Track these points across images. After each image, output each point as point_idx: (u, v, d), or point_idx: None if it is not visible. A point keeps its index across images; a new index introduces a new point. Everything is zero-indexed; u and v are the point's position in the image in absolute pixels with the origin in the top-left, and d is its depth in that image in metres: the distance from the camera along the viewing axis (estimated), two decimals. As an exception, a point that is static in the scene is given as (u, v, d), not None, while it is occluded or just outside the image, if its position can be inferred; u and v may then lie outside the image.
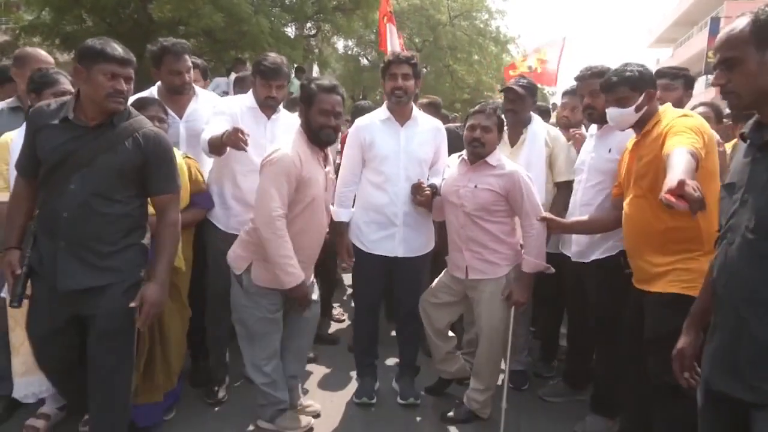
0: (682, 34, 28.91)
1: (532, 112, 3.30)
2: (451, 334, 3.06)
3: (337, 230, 3.03)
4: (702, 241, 2.09)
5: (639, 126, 2.36)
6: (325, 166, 2.68)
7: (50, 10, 11.26)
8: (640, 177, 2.29)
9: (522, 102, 3.18)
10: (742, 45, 1.41)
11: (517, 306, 2.78)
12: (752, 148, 1.47)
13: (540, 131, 3.22)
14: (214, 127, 2.78)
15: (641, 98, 2.32)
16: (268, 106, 2.96)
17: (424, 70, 22.49)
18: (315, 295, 2.83)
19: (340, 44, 20.26)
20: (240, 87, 4.43)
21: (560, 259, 2.94)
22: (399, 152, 2.94)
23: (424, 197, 2.86)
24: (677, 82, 2.96)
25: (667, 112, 2.33)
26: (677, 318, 1.93)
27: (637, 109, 2.34)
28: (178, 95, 3.03)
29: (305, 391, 3.13)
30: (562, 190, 3.17)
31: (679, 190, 1.35)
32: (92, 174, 2.05)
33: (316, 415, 2.92)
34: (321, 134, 2.56)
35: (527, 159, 3.12)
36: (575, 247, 2.85)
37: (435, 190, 2.93)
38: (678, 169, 1.81)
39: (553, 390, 3.20)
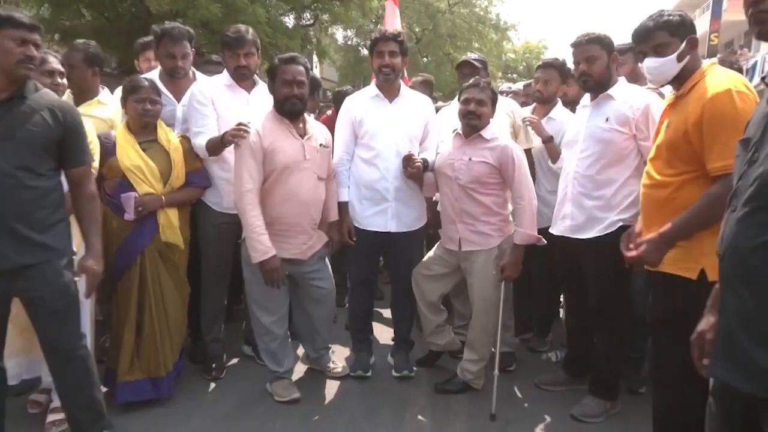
0: (685, 17, 28.67)
1: None
2: (441, 308, 3.10)
3: (340, 212, 3.05)
4: None
5: (678, 82, 2.08)
6: (303, 136, 2.75)
7: (49, 6, 11.31)
8: (659, 145, 2.09)
9: (478, 74, 3.22)
10: None
11: (508, 280, 2.82)
12: None
13: (500, 104, 3.23)
14: (204, 128, 2.85)
15: (683, 45, 2.02)
16: (242, 77, 2.98)
17: (425, 59, 22.49)
18: (328, 272, 3.01)
19: (339, 34, 20.19)
20: None
21: (553, 237, 2.86)
22: (389, 128, 2.97)
23: (415, 169, 2.89)
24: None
25: (713, 71, 2.01)
26: (669, 300, 1.96)
27: (680, 58, 2.03)
28: (174, 79, 3.06)
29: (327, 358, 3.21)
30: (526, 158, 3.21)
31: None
32: (15, 148, 1.99)
33: (341, 377, 3.11)
34: (286, 104, 2.67)
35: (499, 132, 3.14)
36: (570, 221, 2.71)
37: (426, 165, 2.96)
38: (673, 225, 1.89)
39: (552, 378, 3.10)
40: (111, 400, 2.61)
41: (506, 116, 3.28)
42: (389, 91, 3.02)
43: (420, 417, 2.78)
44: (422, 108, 3.12)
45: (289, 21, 12.77)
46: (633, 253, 2.03)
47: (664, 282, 1.99)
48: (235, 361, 3.33)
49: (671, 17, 2.06)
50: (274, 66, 2.71)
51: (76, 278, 2.19)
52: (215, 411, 2.78)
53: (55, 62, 2.63)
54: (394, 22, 6.08)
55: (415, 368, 3.20)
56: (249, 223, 2.60)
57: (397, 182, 2.99)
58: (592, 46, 2.68)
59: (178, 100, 3.09)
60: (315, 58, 14.04)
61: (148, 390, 2.72)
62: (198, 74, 3.25)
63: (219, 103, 2.91)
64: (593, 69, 2.66)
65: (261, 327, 2.86)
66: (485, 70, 3.44)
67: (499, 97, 3.41)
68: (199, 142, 2.85)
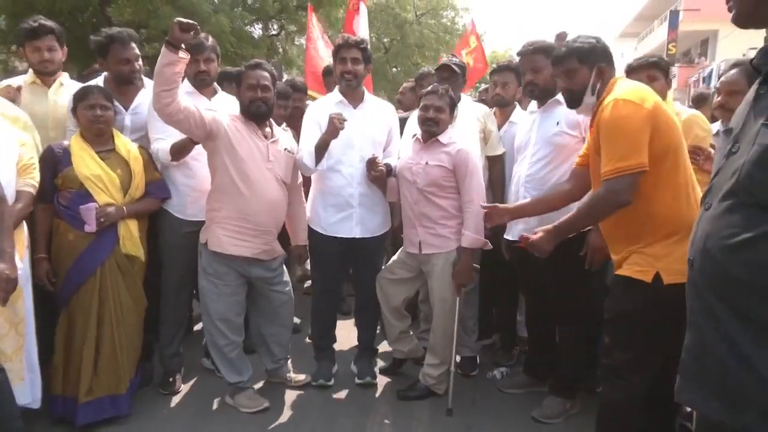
0: (644, 28, 29.63)
1: (462, 93, 3.43)
2: (405, 314, 3.12)
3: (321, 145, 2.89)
4: (656, 225, 1.97)
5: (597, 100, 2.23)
6: (268, 139, 2.79)
7: (5, 17, 11.08)
8: (590, 158, 2.20)
9: (456, 79, 3.28)
10: None
11: (459, 287, 2.86)
12: (760, 82, 1.18)
13: (470, 109, 3.33)
14: (165, 134, 2.81)
15: (593, 75, 2.16)
16: (202, 83, 2.99)
17: (394, 69, 22.69)
18: (286, 278, 3.00)
19: (303, 41, 20.24)
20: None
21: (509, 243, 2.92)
22: (353, 134, 2.96)
23: (378, 172, 2.92)
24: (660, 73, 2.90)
25: (616, 84, 2.15)
26: (624, 302, 2.02)
27: (593, 91, 2.18)
28: (126, 85, 3.00)
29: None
30: (497, 164, 3.28)
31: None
32: None
33: (303, 385, 3.10)
34: (251, 108, 2.72)
35: (460, 135, 3.18)
36: (523, 225, 2.75)
37: (389, 170, 2.99)
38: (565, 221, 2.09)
39: (514, 381, 3.14)
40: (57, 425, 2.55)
41: (476, 121, 3.32)
42: (353, 98, 3.04)
43: (382, 424, 2.78)
44: (385, 114, 3.16)
45: (255, 31, 12.75)
46: (529, 238, 2.26)
47: (622, 284, 2.05)
48: (190, 374, 3.26)
49: (582, 45, 2.19)
50: (239, 72, 2.78)
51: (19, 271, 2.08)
52: (173, 426, 2.72)
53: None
54: (359, 31, 6.06)
55: (378, 375, 3.19)
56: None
57: (361, 188, 3.00)
58: (537, 56, 2.76)
59: (127, 108, 3.02)
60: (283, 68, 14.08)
61: (108, 408, 2.65)
62: (146, 81, 3.20)
63: None
64: (539, 78, 2.78)
65: (222, 338, 2.82)
66: (463, 75, 3.47)
67: (470, 101, 3.51)
68: (163, 146, 2.81)
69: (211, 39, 3.00)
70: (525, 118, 3.06)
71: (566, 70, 2.21)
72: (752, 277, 1.06)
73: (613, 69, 2.22)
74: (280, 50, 12.91)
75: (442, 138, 2.86)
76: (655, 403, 2.07)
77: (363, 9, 5.99)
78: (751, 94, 1.20)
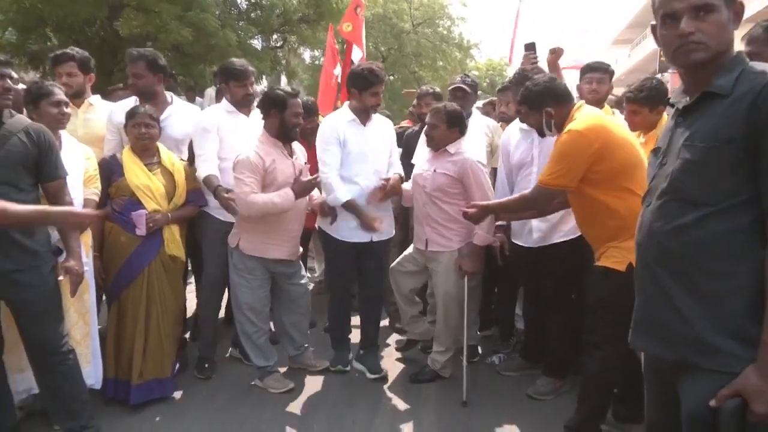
0: (638, 35, 30.15)
1: (473, 108, 3.84)
2: (416, 300, 3.52)
3: (355, 213, 3.29)
4: (626, 226, 2.24)
5: (559, 130, 2.61)
6: (292, 156, 3.17)
7: (15, 30, 11.41)
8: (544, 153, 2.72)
9: (467, 98, 3.68)
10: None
11: (468, 275, 3.23)
12: (676, 113, 1.53)
13: (479, 123, 3.72)
14: (206, 154, 3.20)
15: (543, 117, 2.60)
16: (248, 104, 3.38)
17: (391, 77, 23.12)
18: (303, 272, 3.42)
19: (306, 54, 20.65)
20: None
21: (516, 246, 3.31)
22: (366, 149, 3.32)
23: (390, 190, 3.34)
24: (606, 77, 3.44)
25: (578, 112, 2.53)
26: (603, 288, 2.42)
27: (548, 128, 2.61)
28: (150, 101, 3.31)
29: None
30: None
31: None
32: None
33: (322, 370, 3.49)
34: (293, 131, 3.10)
35: (468, 146, 3.55)
36: (537, 233, 3.17)
37: (402, 178, 3.40)
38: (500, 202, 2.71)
39: (511, 364, 3.55)
40: (109, 404, 2.94)
41: (484, 135, 3.68)
42: (363, 116, 3.38)
43: (395, 403, 3.16)
44: (387, 128, 3.54)
45: (258, 43, 13.13)
46: (468, 211, 2.83)
47: (601, 273, 2.44)
48: (219, 363, 3.60)
49: (530, 92, 2.63)
50: (281, 98, 3.06)
51: (60, 278, 2.46)
52: (209, 405, 3.10)
53: (60, 94, 2.92)
54: (359, 45, 6.45)
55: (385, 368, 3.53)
56: (262, 204, 2.93)
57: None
58: (515, 89, 3.16)
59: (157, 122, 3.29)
60: (284, 79, 14.45)
61: (155, 390, 3.02)
62: (175, 98, 3.58)
63: (223, 129, 3.28)
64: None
65: (251, 325, 3.21)
66: (475, 92, 3.86)
67: (479, 116, 3.88)
68: (203, 171, 3.20)
69: (249, 64, 3.41)
70: (515, 133, 3.36)
71: (523, 113, 2.71)
72: (683, 250, 1.41)
73: (567, 104, 2.58)
74: (283, 62, 13.33)
75: (450, 148, 3.21)
76: (632, 364, 2.47)
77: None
78: (671, 122, 1.56)
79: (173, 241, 3.09)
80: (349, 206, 3.26)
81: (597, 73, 3.47)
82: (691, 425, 1.40)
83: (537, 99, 2.61)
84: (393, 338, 4.08)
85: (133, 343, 2.97)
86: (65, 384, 2.46)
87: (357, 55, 6.18)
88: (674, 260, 1.43)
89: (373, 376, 3.45)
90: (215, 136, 3.26)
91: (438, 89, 4.31)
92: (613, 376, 2.51)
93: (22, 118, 2.46)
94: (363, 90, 3.27)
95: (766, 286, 1.30)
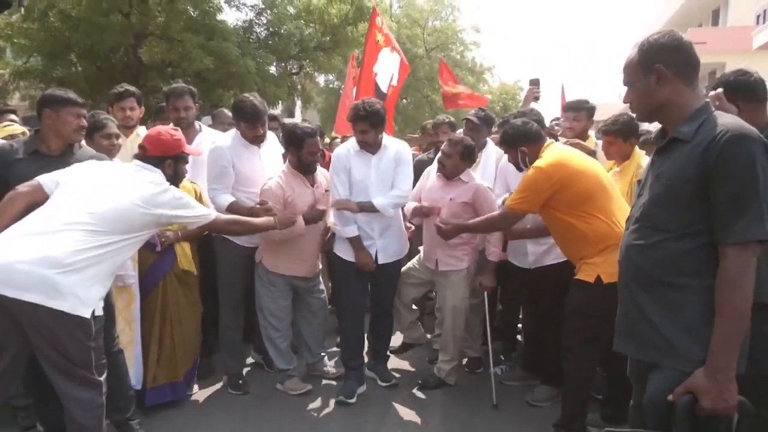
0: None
1: (488, 139, 4.19)
2: (414, 307, 3.91)
3: (355, 247, 3.53)
4: (592, 244, 2.75)
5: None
6: (313, 185, 3.56)
7: (41, 57, 12.11)
8: None
9: (478, 130, 4.06)
10: (634, 70, 1.76)
11: (487, 290, 3.65)
12: (654, 153, 1.81)
13: (492, 154, 4.09)
14: (222, 186, 3.48)
15: (519, 156, 3.04)
16: (260, 143, 3.62)
17: (404, 101, 23.68)
18: (321, 287, 3.82)
19: (320, 78, 21.35)
20: (216, 121, 5.09)
21: (514, 268, 3.66)
22: (371, 177, 3.52)
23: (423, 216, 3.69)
24: (581, 114, 3.88)
25: (546, 150, 2.96)
26: (577, 298, 2.83)
27: (523, 164, 3.03)
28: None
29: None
30: None
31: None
32: None
33: (337, 377, 3.83)
34: (311, 167, 3.50)
35: (482, 178, 3.86)
36: (532, 257, 3.53)
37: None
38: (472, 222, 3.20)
39: (512, 375, 3.92)
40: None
41: (496, 163, 4.04)
42: (371, 147, 3.55)
43: (405, 407, 3.53)
44: (394, 152, 3.58)
45: (274, 70, 13.75)
46: (441, 227, 3.27)
47: (575, 285, 2.86)
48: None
49: (508, 133, 3.11)
50: (298, 138, 3.41)
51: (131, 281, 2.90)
52: (234, 406, 3.50)
53: (113, 127, 3.35)
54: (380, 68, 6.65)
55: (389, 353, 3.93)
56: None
57: (379, 222, 3.55)
58: None
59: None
60: (299, 102, 15.05)
61: (168, 393, 3.34)
62: (204, 127, 3.99)
63: (238, 161, 3.51)
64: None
65: (275, 331, 3.62)
66: (487, 125, 4.17)
67: (493, 146, 4.18)
68: (219, 202, 3.44)
69: (263, 103, 3.60)
70: (510, 167, 3.59)
71: (504, 151, 3.26)
72: (650, 267, 1.70)
73: (537, 142, 3.01)
74: (299, 87, 13.93)
75: (464, 177, 3.60)
76: (611, 363, 2.83)
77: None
78: (652, 158, 1.84)
79: (185, 257, 3.42)
80: (353, 241, 3.53)
81: (572, 112, 3.96)
82: (648, 407, 1.74)
83: (512, 140, 3.08)
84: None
85: (148, 350, 3.29)
86: (114, 381, 2.80)
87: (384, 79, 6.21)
88: (643, 275, 1.73)
89: (384, 384, 3.79)
90: (231, 171, 3.50)
91: (452, 119, 4.71)
92: (589, 376, 2.90)
93: (89, 149, 2.93)
94: (353, 124, 3.50)
95: (716, 304, 1.57)
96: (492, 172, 4.04)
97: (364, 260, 3.53)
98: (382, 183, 3.54)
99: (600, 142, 3.80)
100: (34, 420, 3.00)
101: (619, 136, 3.45)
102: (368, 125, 3.42)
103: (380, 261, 3.60)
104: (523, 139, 3.04)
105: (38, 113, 2.79)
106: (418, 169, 4.19)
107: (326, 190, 3.65)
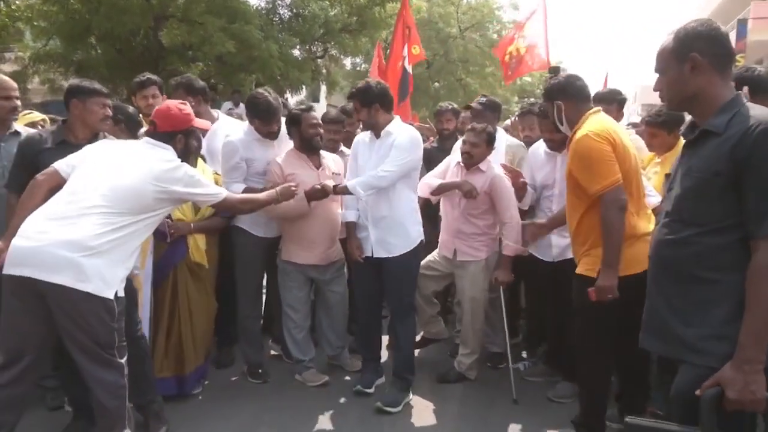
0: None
1: (498, 127, 4.31)
2: (434, 301, 4.04)
3: (347, 231, 3.73)
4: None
5: (570, 127, 2.92)
6: (319, 167, 3.74)
7: (60, 40, 12.62)
8: (564, 177, 3.02)
9: (482, 117, 4.17)
10: (668, 58, 1.82)
11: (503, 285, 3.78)
12: (684, 146, 1.87)
13: (500, 141, 4.19)
14: (234, 180, 3.65)
15: (555, 110, 2.94)
16: (273, 138, 3.80)
17: (436, 84, 23.61)
18: (342, 280, 4.00)
19: (347, 60, 21.43)
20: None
21: (538, 261, 3.77)
22: (371, 161, 3.58)
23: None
24: (612, 107, 3.94)
25: (586, 121, 2.79)
26: (580, 295, 2.84)
27: (560, 122, 2.94)
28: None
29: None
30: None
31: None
32: None
33: (358, 370, 3.96)
34: (313, 141, 3.69)
35: (495, 163, 3.97)
36: (556, 250, 3.64)
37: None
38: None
39: (535, 371, 4.05)
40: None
41: (505, 153, 4.17)
42: (373, 128, 3.62)
43: (424, 399, 3.70)
44: (394, 138, 3.52)
45: (298, 53, 13.94)
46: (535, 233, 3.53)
47: (580, 280, 2.85)
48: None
49: (550, 84, 3.02)
50: (295, 115, 3.68)
51: (136, 272, 3.07)
52: (254, 395, 3.73)
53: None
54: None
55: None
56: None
57: (373, 211, 3.56)
58: (532, 117, 3.74)
59: (203, 135, 3.83)
60: (323, 88, 15.26)
61: (173, 386, 3.45)
62: (221, 115, 4.19)
63: (251, 155, 3.70)
64: (554, 136, 3.51)
65: (291, 321, 3.84)
66: (492, 111, 4.32)
67: (502, 134, 4.36)
68: (233, 191, 3.43)
69: (277, 99, 3.80)
70: (540, 152, 3.85)
71: (542, 111, 3.27)
72: (680, 261, 1.77)
73: (578, 102, 2.87)
74: (324, 71, 14.13)
75: (482, 166, 3.75)
76: (622, 352, 2.89)
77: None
78: (680, 152, 1.93)
79: (197, 250, 3.50)
80: (346, 227, 3.72)
81: (603, 103, 3.93)
82: (675, 400, 1.83)
83: (551, 91, 2.98)
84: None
85: (156, 340, 3.42)
86: (136, 365, 2.97)
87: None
88: (673, 270, 1.80)
89: (392, 410, 3.67)
90: (243, 166, 3.69)
91: (456, 105, 4.82)
92: (602, 373, 2.97)
93: (108, 137, 3.16)
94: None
95: (746, 297, 1.64)
96: (501, 161, 4.10)
97: (350, 248, 3.68)
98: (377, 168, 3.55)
99: (632, 132, 3.90)
100: (62, 400, 3.29)
101: (664, 128, 3.50)
102: (358, 103, 3.57)
103: (376, 255, 3.60)
104: (560, 93, 2.94)
105: (66, 103, 3.06)
106: (425, 158, 4.12)
107: (334, 173, 3.80)
